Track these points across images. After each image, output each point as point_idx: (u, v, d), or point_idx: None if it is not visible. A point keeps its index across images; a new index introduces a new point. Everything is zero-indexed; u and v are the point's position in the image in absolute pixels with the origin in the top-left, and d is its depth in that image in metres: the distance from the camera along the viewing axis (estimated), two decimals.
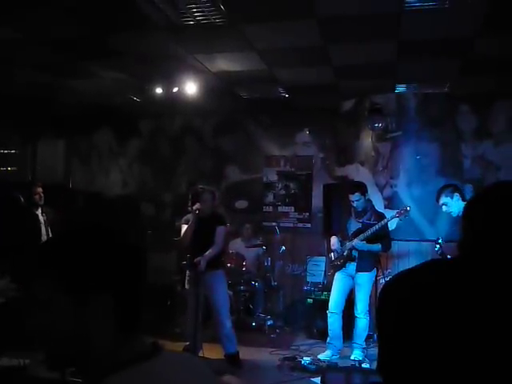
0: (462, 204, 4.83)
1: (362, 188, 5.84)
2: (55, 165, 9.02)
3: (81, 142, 9.55)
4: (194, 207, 5.40)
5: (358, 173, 7.46)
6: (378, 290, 5.65)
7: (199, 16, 4.62)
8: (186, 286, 5.66)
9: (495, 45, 5.25)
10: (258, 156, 8.61)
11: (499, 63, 5.83)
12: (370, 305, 5.86)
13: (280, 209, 8.51)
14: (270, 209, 8.55)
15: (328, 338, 5.98)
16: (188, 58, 5.84)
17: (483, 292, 0.75)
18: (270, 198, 8.58)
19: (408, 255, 7.00)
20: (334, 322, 5.92)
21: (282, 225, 8.17)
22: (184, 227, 5.53)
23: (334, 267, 6.09)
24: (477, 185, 6.69)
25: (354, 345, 5.90)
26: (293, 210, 8.46)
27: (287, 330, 7.31)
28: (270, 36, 5.16)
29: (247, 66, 6.11)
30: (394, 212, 5.96)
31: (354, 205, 5.82)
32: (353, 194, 5.77)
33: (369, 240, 5.76)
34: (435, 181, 6.75)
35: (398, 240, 6.60)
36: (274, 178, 8.57)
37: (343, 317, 5.95)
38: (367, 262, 5.83)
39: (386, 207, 6.99)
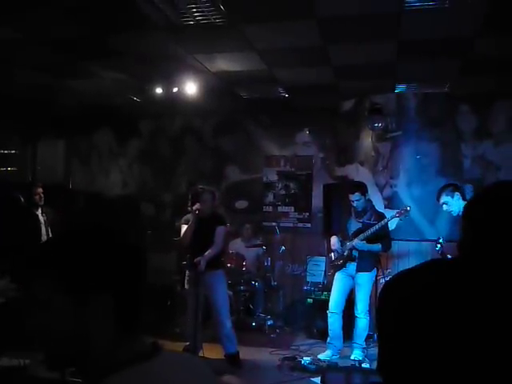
0: (462, 203, 4.83)
1: (362, 188, 5.84)
2: (55, 165, 9.02)
3: (81, 142, 9.55)
4: (194, 207, 5.40)
5: (358, 173, 7.46)
6: (378, 290, 5.65)
7: (199, 16, 4.62)
8: (186, 286, 5.66)
9: (495, 45, 5.25)
10: (257, 156, 8.61)
11: (499, 63, 5.83)
12: (370, 305, 5.86)
13: (280, 209, 8.51)
14: (270, 209, 8.55)
15: (328, 338, 5.98)
16: (188, 58, 5.84)
17: (483, 292, 0.75)
18: (270, 198, 8.58)
19: (408, 255, 7.00)
20: (334, 321, 5.92)
21: (282, 225, 8.18)
22: (184, 227, 5.53)
23: (335, 267, 6.09)
24: (477, 185, 6.69)
25: (354, 345, 5.90)
26: (293, 210, 8.46)
27: (287, 329, 7.31)
28: (270, 36, 5.16)
29: (247, 66, 6.11)
30: (394, 212, 5.96)
31: (354, 205, 5.82)
32: (353, 193, 5.77)
33: (369, 240, 5.76)
34: (435, 181, 6.75)
35: (398, 240, 6.60)
36: (274, 177, 8.57)
37: (343, 317, 5.95)
38: (367, 261, 5.83)
39: (385, 207, 6.99)
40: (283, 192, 8.52)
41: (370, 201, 5.96)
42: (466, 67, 6.00)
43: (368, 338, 6.06)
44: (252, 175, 8.68)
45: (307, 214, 8.38)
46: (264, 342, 6.59)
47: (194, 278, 5.42)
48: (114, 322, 1.06)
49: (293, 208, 8.46)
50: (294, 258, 8.11)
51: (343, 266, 5.94)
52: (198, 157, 8.94)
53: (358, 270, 5.84)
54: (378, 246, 5.79)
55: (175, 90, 6.74)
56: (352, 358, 5.77)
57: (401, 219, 5.92)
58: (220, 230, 5.54)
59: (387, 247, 5.88)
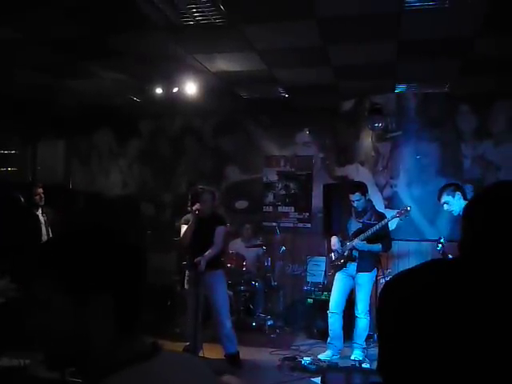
0: (463, 203, 4.84)
1: (362, 188, 5.84)
2: (55, 165, 9.03)
3: (81, 142, 9.55)
4: (194, 207, 5.39)
5: (358, 173, 7.46)
6: (379, 290, 5.65)
7: (199, 16, 4.62)
8: (186, 286, 5.66)
9: (495, 45, 5.25)
10: (257, 156, 8.61)
11: (499, 63, 5.83)
12: (370, 305, 5.86)
13: (280, 209, 8.51)
14: (270, 209, 8.55)
15: (328, 338, 5.98)
16: (188, 58, 5.84)
17: (483, 292, 0.75)
18: (270, 198, 8.58)
19: (408, 255, 7.00)
20: (334, 322, 5.92)
21: (282, 225, 8.17)
22: (184, 227, 5.53)
23: (335, 267, 6.08)
24: (477, 185, 6.69)
25: (355, 345, 5.90)
26: (293, 210, 8.46)
27: (287, 330, 7.31)
28: (270, 36, 5.16)
29: (247, 66, 6.11)
30: (394, 212, 5.96)
31: (355, 205, 5.82)
32: (353, 193, 5.77)
33: (369, 240, 5.76)
34: (435, 181, 6.76)
35: (398, 240, 6.60)
36: (274, 178, 8.57)
37: (344, 317, 5.95)
38: (368, 262, 5.83)
39: (386, 207, 6.99)
40: (283, 192, 8.52)
41: (370, 201, 5.96)
42: (465, 67, 6.00)
43: (368, 338, 6.07)
44: (252, 175, 8.68)
45: (307, 214, 8.38)
46: (264, 342, 6.59)
47: (194, 278, 5.42)
48: (113, 322, 1.06)
49: (293, 208, 8.46)
50: (294, 258, 8.11)
51: (343, 266, 5.94)
52: (198, 157, 8.94)
53: (359, 270, 5.84)
54: (378, 246, 5.79)
55: (175, 90, 6.74)
56: (352, 358, 5.77)
57: (401, 219, 5.92)
58: (220, 230, 5.54)
59: (387, 247, 5.88)
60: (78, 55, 5.87)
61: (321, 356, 5.84)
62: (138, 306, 1.11)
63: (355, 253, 5.85)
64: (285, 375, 5.39)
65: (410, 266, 0.85)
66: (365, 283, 5.82)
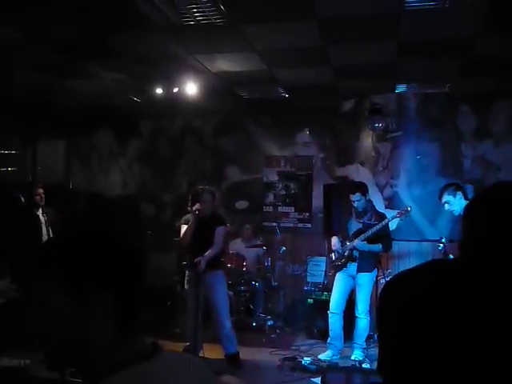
0: (464, 202, 4.84)
1: (362, 188, 5.84)
2: (55, 165, 9.03)
3: (81, 142, 9.55)
4: (194, 208, 5.39)
5: (359, 173, 7.46)
6: (379, 290, 5.65)
7: (199, 16, 4.62)
8: (186, 287, 5.66)
9: (495, 45, 5.25)
10: (258, 156, 8.61)
11: (499, 63, 5.83)
12: (370, 305, 5.86)
13: (280, 209, 8.51)
14: (271, 209, 8.55)
15: (329, 339, 5.98)
16: (188, 58, 5.84)
17: (483, 292, 0.75)
18: (271, 198, 8.58)
19: (408, 255, 7.00)
20: (334, 322, 5.92)
21: (282, 225, 8.17)
22: (183, 227, 5.53)
23: (335, 267, 6.08)
24: (477, 185, 6.69)
25: (355, 345, 5.90)
26: (293, 210, 8.46)
27: (287, 330, 7.31)
28: (270, 36, 5.16)
29: (247, 67, 6.11)
30: (394, 212, 5.96)
31: (355, 205, 5.82)
32: (353, 194, 5.77)
33: (369, 240, 5.76)
34: (435, 181, 6.76)
35: (398, 240, 6.60)
36: (274, 178, 8.57)
37: (344, 317, 5.95)
38: (368, 262, 5.83)
39: (386, 207, 6.99)
40: (283, 192, 8.52)
41: (370, 201, 5.96)
42: (466, 67, 6.00)
43: (368, 338, 6.07)
44: (252, 175, 8.68)
45: (307, 214, 8.38)
46: (264, 342, 6.59)
47: (194, 278, 5.42)
48: (113, 322, 1.06)
49: (293, 208, 8.46)
50: (294, 259, 8.11)
51: (344, 266, 5.94)
52: (198, 157, 8.94)
53: (359, 270, 5.84)
54: (378, 247, 5.79)
55: (175, 90, 6.74)
56: (352, 358, 5.77)
57: (401, 220, 5.92)
58: (220, 231, 5.54)
59: (388, 247, 5.88)
60: (78, 55, 5.87)
61: (321, 356, 5.84)
62: (138, 306, 1.11)
63: (356, 253, 5.85)
64: (285, 375, 5.40)
65: (411, 267, 0.85)
66: (365, 283, 5.82)
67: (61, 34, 5.18)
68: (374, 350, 5.89)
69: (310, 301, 7.13)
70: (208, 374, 1.22)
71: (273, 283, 7.65)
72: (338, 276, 6.00)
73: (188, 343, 5.53)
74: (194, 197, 5.51)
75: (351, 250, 5.85)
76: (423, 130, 7.17)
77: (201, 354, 5.26)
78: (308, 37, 5.14)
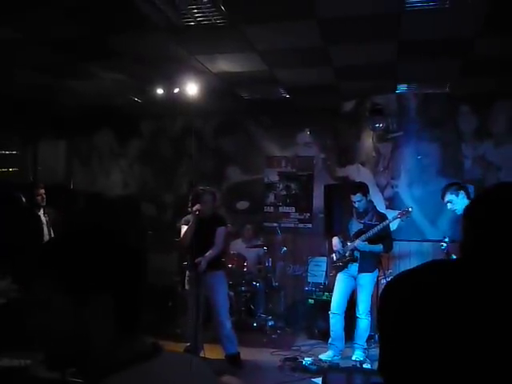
0: (466, 202, 4.84)
1: (363, 189, 5.84)
2: (56, 166, 9.04)
3: (82, 142, 9.56)
4: (194, 208, 5.39)
5: (359, 173, 7.46)
6: (380, 291, 5.65)
7: (200, 17, 4.62)
8: (187, 287, 5.66)
9: (496, 45, 5.25)
10: (258, 156, 8.61)
11: (500, 63, 5.83)
12: (371, 305, 5.86)
13: (281, 209, 8.51)
14: (271, 209, 8.56)
15: (330, 339, 5.98)
16: (189, 58, 5.84)
17: (484, 293, 0.75)
18: (271, 198, 8.58)
19: (409, 256, 7.00)
20: (335, 322, 5.92)
21: (283, 225, 8.17)
22: (184, 228, 5.52)
23: (336, 268, 6.08)
24: (477, 185, 6.69)
25: (356, 345, 5.90)
26: (294, 211, 8.46)
27: (288, 330, 7.30)
28: (271, 37, 5.16)
29: (248, 67, 6.11)
30: (395, 212, 5.96)
31: (356, 205, 5.81)
32: (354, 194, 5.76)
33: (370, 241, 5.75)
34: (436, 181, 6.76)
35: (399, 240, 6.60)
36: (274, 178, 8.57)
37: (345, 317, 5.95)
38: (369, 262, 5.83)
39: (387, 208, 6.99)
40: (284, 192, 8.52)
41: (371, 201, 5.96)
42: (466, 67, 6.00)
43: (369, 338, 6.06)
44: (253, 176, 8.68)
45: (308, 214, 8.38)
46: (265, 342, 6.59)
47: (195, 278, 5.42)
48: (114, 322, 1.06)
49: (294, 208, 8.46)
50: (295, 259, 8.11)
51: (345, 266, 5.93)
52: (199, 157, 8.94)
53: (360, 270, 5.83)
54: (379, 247, 5.79)
55: (176, 90, 6.74)
56: (353, 358, 5.77)
57: (402, 220, 5.92)
58: (220, 231, 5.54)
59: (389, 248, 5.88)
60: (79, 56, 5.87)
61: (322, 356, 5.84)
62: (138, 306, 1.11)
63: (357, 253, 5.85)
64: (286, 376, 5.40)
65: (411, 267, 0.85)
66: (366, 284, 5.82)
67: (61, 34, 5.18)
68: (375, 351, 5.89)
69: (311, 301, 7.13)
70: (208, 375, 1.23)
71: (273, 283, 7.65)
72: (339, 276, 6.00)
73: (188, 343, 5.53)
74: (195, 197, 5.51)
75: (352, 250, 5.85)
76: (424, 130, 7.17)
77: (201, 355, 5.27)
78: (309, 37, 5.14)
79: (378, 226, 5.69)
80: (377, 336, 6.04)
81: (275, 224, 8.09)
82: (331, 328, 5.95)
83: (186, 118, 8.87)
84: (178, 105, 7.31)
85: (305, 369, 5.48)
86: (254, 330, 7.02)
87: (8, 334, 4.05)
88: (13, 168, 8.70)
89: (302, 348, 6.42)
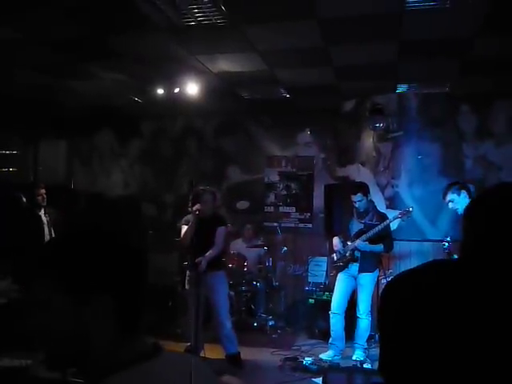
0: (468, 201, 4.83)
1: (364, 189, 5.84)
2: (57, 166, 9.03)
3: (82, 142, 9.56)
4: (194, 208, 5.39)
5: (360, 173, 7.46)
6: (380, 291, 5.65)
7: (200, 17, 4.62)
8: (187, 287, 5.66)
9: (495, 45, 5.25)
10: (259, 156, 8.61)
11: (499, 63, 5.83)
12: (371, 305, 5.86)
13: (281, 209, 8.51)
14: (272, 209, 8.56)
15: (330, 339, 5.97)
16: (189, 58, 5.84)
17: (485, 293, 0.75)
18: (272, 198, 8.58)
19: (410, 255, 6.99)
20: (336, 322, 5.91)
21: (283, 225, 8.17)
22: (184, 228, 5.52)
23: (337, 268, 6.08)
24: (478, 185, 6.69)
25: (356, 345, 5.90)
26: (294, 211, 8.46)
27: (289, 330, 7.30)
28: (272, 37, 5.16)
29: (248, 67, 6.11)
30: (395, 212, 5.95)
31: (356, 205, 5.81)
32: (355, 194, 5.76)
33: (371, 240, 5.75)
34: (436, 181, 6.76)
35: (399, 240, 6.59)
36: (275, 178, 8.57)
37: (345, 317, 5.95)
38: (370, 262, 5.83)
39: (387, 207, 6.99)
40: (284, 192, 8.52)
41: (371, 201, 5.95)
42: (466, 67, 6.00)
43: (370, 338, 6.06)
44: (253, 176, 8.68)
45: (308, 214, 8.38)
46: (265, 342, 6.59)
47: (195, 278, 5.42)
48: (114, 322, 1.06)
49: (294, 208, 8.46)
50: (295, 259, 8.12)
51: (345, 266, 5.93)
52: (199, 157, 8.94)
53: (361, 270, 5.83)
54: (380, 247, 5.78)
55: (177, 90, 6.74)
56: (354, 358, 5.77)
57: (403, 220, 5.91)
58: (221, 231, 5.54)
59: (389, 248, 5.87)
60: (79, 56, 5.87)
61: (322, 355, 5.84)
62: (139, 306, 1.11)
63: (357, 253, 5.84)
64: (286, 375, 5.39)
65: (412, 267, 0.85)
66: (367, 284, 5.82)
67: (61, 34, 5.18)
68: (375, 351, 5.89)
69: (311, 301, 7.12)
70: (209, 375, 1.23)
71: (274, 283, 7.65)
72: (340, 276, 6.00)
73: (189, 343, 5.52)
74: (195, 197, 5.51)
75: (353, 250, 5.85)
76: (424, 129, 7.17)
77: (202, 355, 5.26)
78: (309, 37, 5.14)
79: (379, 226, 5.68)
80: (377, 336, 6.04)
81: (275, 224, 8.09)
82: (331, 328, 5.95)
83: (186, 117, 8.88)
84: (178, 105, 7.31)
85: (305, 368, 5.48)
86: (254, 330, 7.02)
87: (9, 334, 4.06)
88: (13, 168, 8.71)
89: (303, 348, 6.42)
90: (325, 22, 4.78)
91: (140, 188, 9.28)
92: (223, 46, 5.43)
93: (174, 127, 9.13)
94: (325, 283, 7.50)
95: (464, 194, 4.96)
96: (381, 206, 6.59)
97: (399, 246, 6.69)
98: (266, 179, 8.61)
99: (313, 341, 6.75)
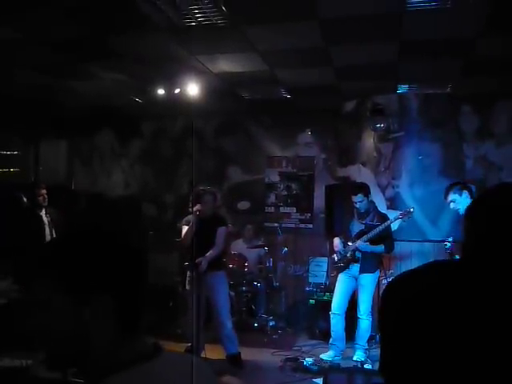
0: (470, 202, 4.83)
1: (364, 189, 5.84)
2: (57, 166, 9.04)
3: (83, 143, 9.57)
4: (195, 208, 5.39)
5: (360, 173, 7.45)
6: (381, 291, 5.65)
7: (201, 17, 4.62)
8: (188, 287, 5.66)
9: (497, 45, 5.25)
10: (259, 157, 8.61)
11: (501, 63, 5.83)
12: (372, 306, 5.86)
13: (282, 209, 8.51)
14: (272, 209, 8.56)
15: (331, 339, 5.97)
16: (190, 59, 5.84)
17: (485, 294, 0.74)
18: (272, 198, 8.58)
19: (410, 256, 6.99)
20: (336, 323, 5.91)
21: (283, 225, 8.17)
22: (184, 228, 5.53)
23: (338, 268, 6.08)
24: (479, 185, 6.68)
25: (357, 346, 5.90)
26: (295, 211, 8.46)
27: (289, 330, 7.30)
28: (272, 37, 5.16)
29: (249, 67, 6.11)
30: (396, 213, 5.95)
31: (357, 206, 5.81)
32: (356, 195, 5.76)
33: (372, 241, 5.75)
34: (437, 181, 6.75)
35: (400, 241, 6.59)
36: (275, 178, 8.57)
37: (346, 318, 5.95)
38: (371, 263, 5.83)
39: (388, 208, 6.98)
40: (285, 193, 8.52)
41: (372, 202, 5.95)
42: (467, 67, 5.99)
43: (370, 339, 6.06)
44: (254, 176, 8.69)
45: (309, 214, 8.38)
46: (266, 342, 6.59)
47: (196, 278, 5.42)
48: (114, 322, 1.06)
49: (295, 209, 8.46)
50: (296, 259, 8.11)
51: (346, 267, 5.93)
52: (199, 158, 8.94)
53: (361, 271, 5.83)
54: (380, 247, 5.78)
55: (177, 90, 6.75)
56: (354, 358, 5.76)
57: (404, 221, 5.91)
58: (221, 231, 5.55)
59: (390, 248, 5.87)
60: (79, 56, 5.87)
61: (323, 355, 5.84)
62: (139, 306, 1.11)
63: (358, 254, 5.84)
64: (287, 376, 5.40)
65: (413, 267, 0.85)
66: (368, 284, 5.81)
67: (61, 34, 5.18)
68: (376, 351, 5.89)
69: (312, 301, 7.12)
70: (209, 375, 1.22)
71: (274, 284, 7.65)
72: (341, 277, 5.99)
73: (189, 343, 5.53)
74: (196, 197, 5.52)
75: (353, 251, 5.85)
76: (425, 130, 7.17)
77: (202, 355, 5.26)
78: (310, 37, 5.14)
79: (380, 227, 5.68)
80: (378, 336, 6.04)
81: (276, 224, 8.09)
82: (332, 328, 5.95)
83: (186, 118, 8.88)
84: (178, 105, 7.31)
85: (306, 369, 5.48)
86: (254, 331, 7.02)
87: (9, 334, 4.06)
88: (14, 168, 8.71)
89: (303, 348, 6.41)
90: (325, 22, 4.77)
91: (140, 188, 9.28)
92: (223, 46, 5.43)
93: (175, 127, 9.14)
94: (325, 284, 7.50)
95: (466, 194, 4.96)
96: (382, 207, 6.59)
97: (400, 247, 6.68)
98: (266, 179, 8.61)
99: (313, 341, 6.75)
